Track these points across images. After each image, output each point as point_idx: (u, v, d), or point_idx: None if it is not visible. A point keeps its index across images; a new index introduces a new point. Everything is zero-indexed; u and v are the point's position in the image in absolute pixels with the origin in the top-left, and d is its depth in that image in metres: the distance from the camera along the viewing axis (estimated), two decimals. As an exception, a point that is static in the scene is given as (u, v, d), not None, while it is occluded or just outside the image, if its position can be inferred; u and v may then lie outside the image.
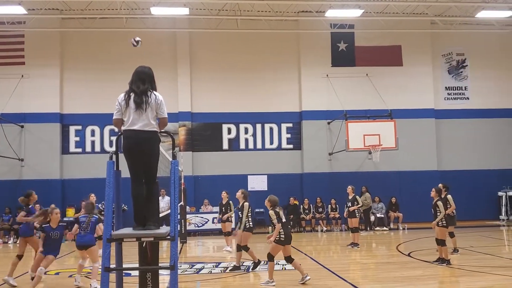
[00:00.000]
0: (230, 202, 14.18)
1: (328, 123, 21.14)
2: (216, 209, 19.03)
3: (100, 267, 9.12)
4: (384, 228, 19.40)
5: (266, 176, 20.86)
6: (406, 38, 21.69)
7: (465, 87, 22.54)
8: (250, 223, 11.00)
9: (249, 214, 11.02)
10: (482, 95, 22.32)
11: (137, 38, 7.43)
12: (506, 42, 22.44)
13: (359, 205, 14.77)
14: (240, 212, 11.41)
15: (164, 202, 16.50)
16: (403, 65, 21.90)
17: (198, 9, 19.73)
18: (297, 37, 21.57)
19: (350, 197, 14.87)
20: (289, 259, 9.38)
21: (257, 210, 18.95)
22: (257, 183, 20.56)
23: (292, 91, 21.56)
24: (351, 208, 14.73)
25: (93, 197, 13.76)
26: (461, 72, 22.57)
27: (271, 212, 9.51)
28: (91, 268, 9.70)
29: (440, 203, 11.20)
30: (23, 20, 19.62)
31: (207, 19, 20.00)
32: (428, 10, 20.10)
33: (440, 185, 12.48)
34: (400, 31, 21.06)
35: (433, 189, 11.52)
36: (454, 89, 22.55)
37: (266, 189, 19.88)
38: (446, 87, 22.50)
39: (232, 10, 19.61)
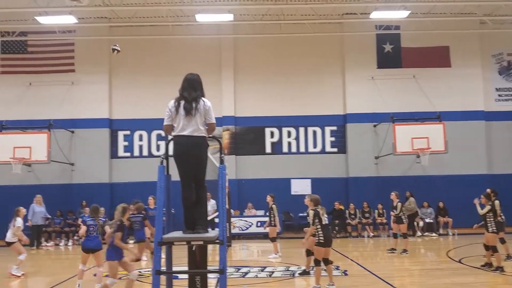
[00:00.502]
0: (273, 206, 14.11)
1: (374, 126, 20.81)
2: (260, 212, 19.20)
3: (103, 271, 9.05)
4: (433, 233, 18.90)
5: (310, 180, 20.70)
6: (454, 38, 21.10)
7: (517, 88, 21.76)
8: None
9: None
10: (536, 96, 21.48)
11: (115, 48, 7.79)
12: (560, 40, 21.50)
13: (395, 213, 14.40)
14: (308, 218, 11.06)
15: (209, 206, 16.67)
16: (451, 66, 21.35)
17: (242, 14, 19.85)
18: (341, 39, 21.37)
19: (394, 204, 14.60)
20: (326, 261, 9.32)
21: (300, 214, 18.94)
22: (301, 187, 20.39)
23: (336, 94, 21.36)
24: (392, 214, 14.52)
25: (151, 200, 13.88)
26: (513, 72, 21.80)
27: (310, 212, 9.44)
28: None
29: (486, 208, 11.12)
30: (73, 29, 20.33)
31: (251, 25, 20.11)
32: (477, 10, 19.49)
33: (488, 190, 12.23)
34: (448, 32, 20.52)
35: (482, 196, 11.45)
36: (505, 90, 21.78)
37: (310, 193, 19.68)
38: (496, 88, 21.74)
39: (276, 15, 19.63)
